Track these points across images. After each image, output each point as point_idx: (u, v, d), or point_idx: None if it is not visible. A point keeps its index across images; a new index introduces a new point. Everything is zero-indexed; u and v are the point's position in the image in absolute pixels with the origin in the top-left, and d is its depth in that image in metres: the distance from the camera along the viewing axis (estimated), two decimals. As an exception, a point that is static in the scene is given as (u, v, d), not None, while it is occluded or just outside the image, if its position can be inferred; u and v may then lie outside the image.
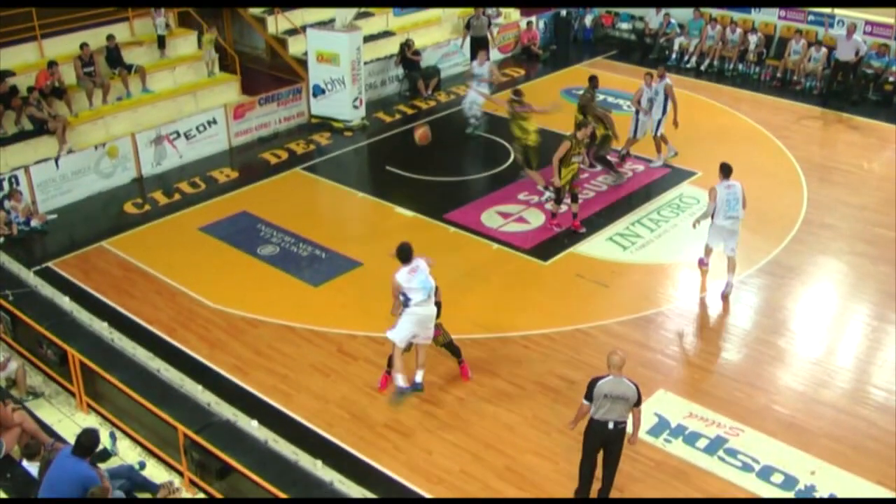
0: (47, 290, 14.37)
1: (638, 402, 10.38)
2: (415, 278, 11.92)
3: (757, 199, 18.00)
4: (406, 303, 11.99)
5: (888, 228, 17.30)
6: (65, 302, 14.03)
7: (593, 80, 19.48)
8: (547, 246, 16.80)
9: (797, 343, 14.25)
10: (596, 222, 17.60)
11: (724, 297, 15.25)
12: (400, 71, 24.36)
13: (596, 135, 18.61)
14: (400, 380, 12.15)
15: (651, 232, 17.28)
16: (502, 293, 15.44)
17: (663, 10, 26.91)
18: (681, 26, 26.70)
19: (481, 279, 15.77)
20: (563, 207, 17.37)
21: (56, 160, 18.35)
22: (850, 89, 23.45)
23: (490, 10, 26.23)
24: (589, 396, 10.33)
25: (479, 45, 25.13)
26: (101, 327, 13.40)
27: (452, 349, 13.11)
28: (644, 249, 16.74)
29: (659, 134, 19.50)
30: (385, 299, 15.15)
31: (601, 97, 22.72)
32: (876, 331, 14.50)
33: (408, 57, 24.06)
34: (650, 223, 17.58)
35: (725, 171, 15.00)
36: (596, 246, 16.84)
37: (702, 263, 15.89)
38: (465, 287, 15.30)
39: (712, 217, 15.00)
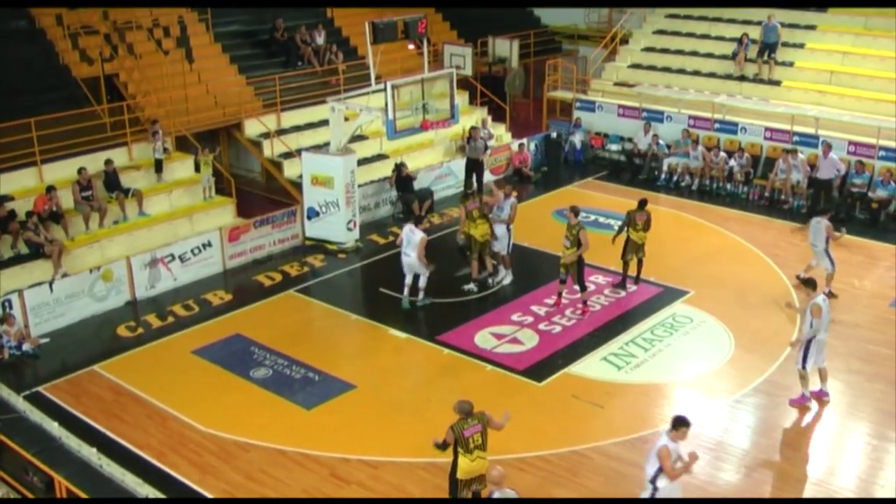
0: (36, 416, 14.11)
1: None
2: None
3: (750, 317, 17.98)
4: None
5: (883, 346, 17.15)
6: (53, 427, 13.76)
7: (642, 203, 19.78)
8: (541, 367, 16.62)
9: (797, 463, 13.96)
10: (589, 342, 17.46)
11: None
12: (394, 193, 24.51)
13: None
14: None
15: (645, 352, 17.12)
16: (496, 415, 15.14)
17: (651, 132, 27.28)
18: (669, 147, 27.03)
19: (475, 401, 15.41)
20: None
21: (50, 284, 18.27)
22: (834, 207, 23.54)
23: (483, 133, 26.60)
24: None
25: (472, 166, 25.66)
26: (90, 453, 13.11)
27: None
28: (639, 369, 16.56)
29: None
30: (379, 422, 14.96)
31: (592, 217, 22.90)
32: (876, 450, 14.22)
33: (402, 177, 24.22)
34: (644, 343, 17.43)
35: (814, 286, 15.19)
36: (590, 366, 16.65)
37: (823, 394, 15.54)
38: (459, 409, 15.06)
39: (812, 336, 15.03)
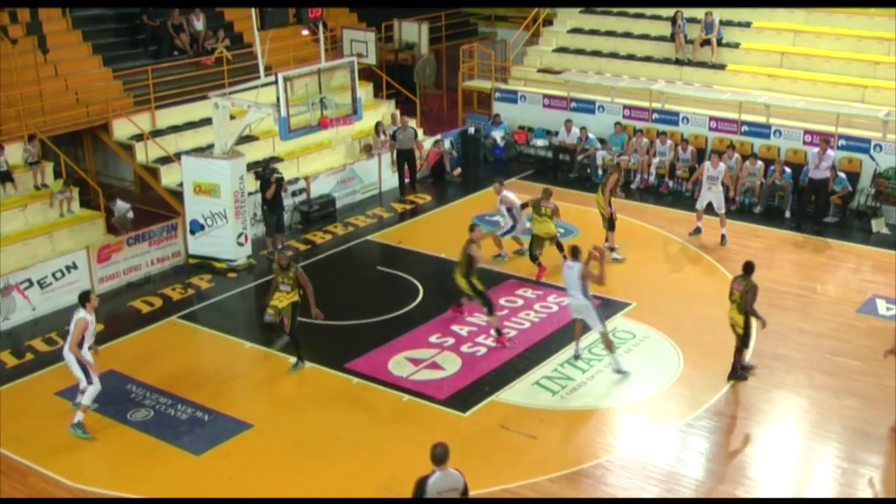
0: None
1: (465, 492, 10.88)
2: None
3: (700, 330, 18.22)
4: None
5: (850, 357, 17.51)
6: None
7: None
8: (465, 395, 16.64)
9: (758, 493, 14.18)
10: (519, 365, 17.54)
11: None
12: (291, 201, 24.37)
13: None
14: None
15: (582, 373, 17.26)
16: (416, 452, 15.04)
17: (574, 129, 27.52)
18: (602, 141, 27.30)
19: (391, 437, 15.48)
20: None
21: None
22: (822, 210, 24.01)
23: (412, 123, 26.87)
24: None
25: (405, 158, 26.44)
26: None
27: None
28: (576, 393, 16.68)
29: None
30: (281, 466, 14.80)
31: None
32: (847, 474, 14.52)
33: (278, 189, 22.94)
34: (581, 363, 17.57)
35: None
36: (521, 392, 16.72)
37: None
38: (373, 447, 15.05)
39: None
